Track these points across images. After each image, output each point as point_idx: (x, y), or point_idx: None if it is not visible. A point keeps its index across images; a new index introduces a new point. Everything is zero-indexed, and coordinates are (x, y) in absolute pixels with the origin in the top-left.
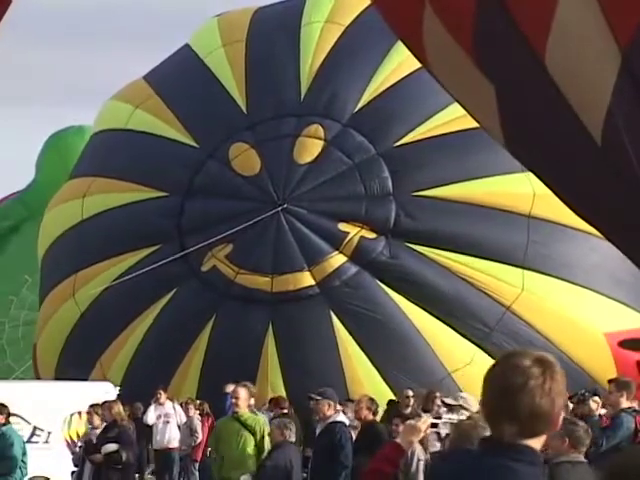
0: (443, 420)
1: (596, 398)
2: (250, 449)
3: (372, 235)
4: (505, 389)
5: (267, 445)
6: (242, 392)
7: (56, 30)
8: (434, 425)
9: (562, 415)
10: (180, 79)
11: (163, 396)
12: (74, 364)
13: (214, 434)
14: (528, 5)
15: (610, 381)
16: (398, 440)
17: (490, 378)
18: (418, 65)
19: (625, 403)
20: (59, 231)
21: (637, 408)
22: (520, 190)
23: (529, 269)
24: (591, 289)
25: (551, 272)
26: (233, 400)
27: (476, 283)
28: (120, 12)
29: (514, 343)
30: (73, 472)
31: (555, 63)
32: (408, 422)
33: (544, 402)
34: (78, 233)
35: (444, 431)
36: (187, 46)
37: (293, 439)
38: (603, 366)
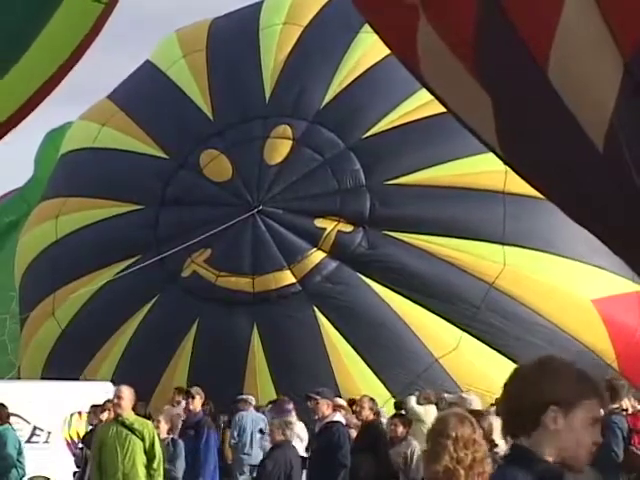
0: None
1: None
2: (139, 457)
3: (349, 228)
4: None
5: (158, 453)
6: (126, 391)
7: None
8: None
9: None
10: (144, 93)
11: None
12: (58, 378)
13: (95, 440)
14: (531, 15)
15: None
16: None
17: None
18: (380, 57)
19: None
20: (34, 254)
21: (624, 407)
22: (492, 168)
23: (509, 244)
24: (573, 258)
25: (531, 245)
26: (115, 400)
27: (457, 263)
28: (120, 12)
29: (502, 319)
30: (75, 472)
31: (558, 73)
32: None
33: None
34: (54, 253)
35: None
36: (148, 62)
37: (293, 439)
38: (594, 333)
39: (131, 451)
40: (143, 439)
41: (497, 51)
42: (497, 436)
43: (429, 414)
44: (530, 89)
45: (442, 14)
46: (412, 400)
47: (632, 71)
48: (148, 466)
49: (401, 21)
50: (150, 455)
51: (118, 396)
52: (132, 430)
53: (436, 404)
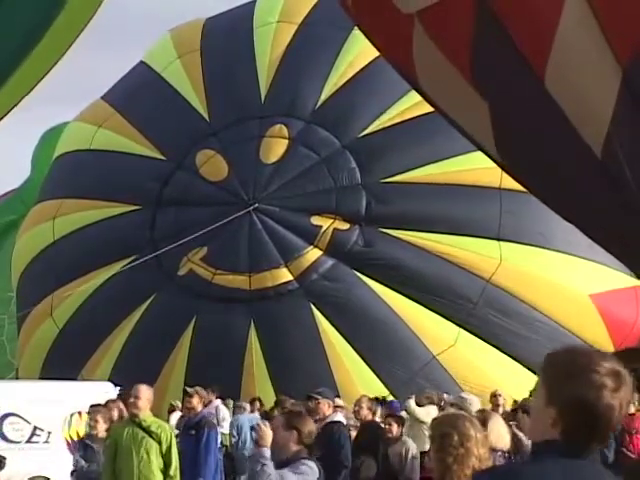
0: None
1: None
2: (157, 461)
3: (345, 226)
4: None
5: (175, 457)
6: (144, 391)
7: None
8: None
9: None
10: (139, 95)
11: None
12: (56, 377)
13: (110, 442)
14: (528, 25)
15: None
16: None
17: None
18: (374, 56)
19: None
20: (32, 255)
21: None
22: (487, 164)
23: (505, 240)
24: (570, 253)
25: (528, 241)
26: (131, 400)
27: (454, 260)
28: (120, 11)
29: (499, 315)
30: (74, 472)
31: (555, 82)
32: None
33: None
34: (51, 254)
35: None
36: (142, 63)
37: None
38: (592, 328)
39: (147, 455)
40: (160, 442)
41: (494, 60)
42: (494, 437)
43: (430, 415)
44: (527, 97)
45: (439, 24)
46: (412, 402)
47: (630, 79)
48: (164, 471)
49: (395, 30)
50: (167, 459)
51: (135, 396)
52: (149, 432)
53: (437, 405)
